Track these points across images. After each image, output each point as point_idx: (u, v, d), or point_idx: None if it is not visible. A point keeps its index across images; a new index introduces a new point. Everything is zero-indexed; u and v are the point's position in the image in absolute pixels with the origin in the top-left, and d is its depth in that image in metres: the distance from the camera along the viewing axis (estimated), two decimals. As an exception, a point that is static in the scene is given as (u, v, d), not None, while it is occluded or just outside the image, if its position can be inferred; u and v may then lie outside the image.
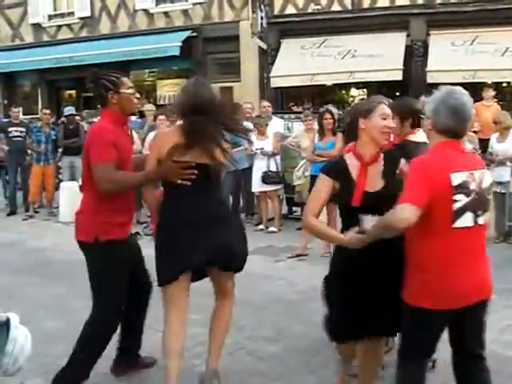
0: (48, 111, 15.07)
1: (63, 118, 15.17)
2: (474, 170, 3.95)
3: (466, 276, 3.91)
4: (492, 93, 13.71)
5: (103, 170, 4.69)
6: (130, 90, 4.97)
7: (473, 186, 3.89)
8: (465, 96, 4.02)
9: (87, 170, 4.87)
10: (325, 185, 4.32)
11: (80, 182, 5.25)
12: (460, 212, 3.84)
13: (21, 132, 14.63)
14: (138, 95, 5.15)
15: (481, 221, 3.94)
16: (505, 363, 5.61)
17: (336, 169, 4.38)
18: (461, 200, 3.83)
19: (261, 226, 12.22)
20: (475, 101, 13.87)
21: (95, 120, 14.64)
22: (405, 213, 3.71)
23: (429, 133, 4.21)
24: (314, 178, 8.07)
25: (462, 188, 3.85)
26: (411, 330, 4.09)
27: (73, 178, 14.24)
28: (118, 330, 5.32)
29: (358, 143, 4.43)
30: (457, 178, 3.84)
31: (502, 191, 10.41)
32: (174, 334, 4.81)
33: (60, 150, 14.67)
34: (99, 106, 5.14)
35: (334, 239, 4.43)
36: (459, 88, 4.11)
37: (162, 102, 21.75)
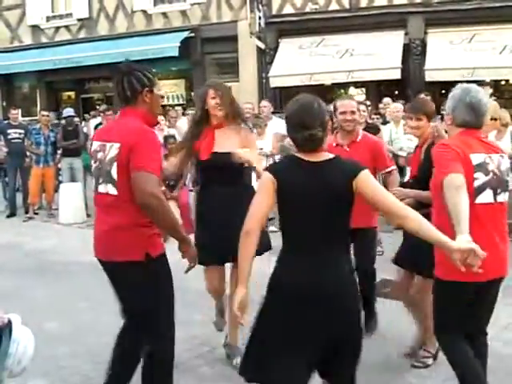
0: (47, 113, 15.05)
1: (63, 121, 15.11)
2: (492, 154, 4.32)
3: (489, 251, 3.99)
4: (489, 91, 13.72)
5: (148, 180, 4.02)
6: (161, 93, 4.54)
7: (491, 167, 4.25)
8: (480, 93, 4.37)
9: (128, 177, 4.11)
10: None
11: (107, 190, 4.27)
12: (480, 189, 4.18)
13: (20, 134, 14.58)
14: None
15: (500, 198, 4.31)
16: (504, 360, 5.61)
17: None
18: (480, 178, 4.18)
19: (261, 226, 12.19)
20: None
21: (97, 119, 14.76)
22: (456, 180, 3.98)
23: (448, 127, 4.54)
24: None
25: (481, 167, 4.21)
26: (444, 303, 4.39)
27: (72, 180, 14.24)
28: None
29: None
30: (476, 159, 4.21)
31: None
32: None
33: (59, 151, 14.63)
34: (123, 102, 4.41)
35: None
36: (474, 86, 4.45)
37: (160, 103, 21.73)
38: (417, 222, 3.57)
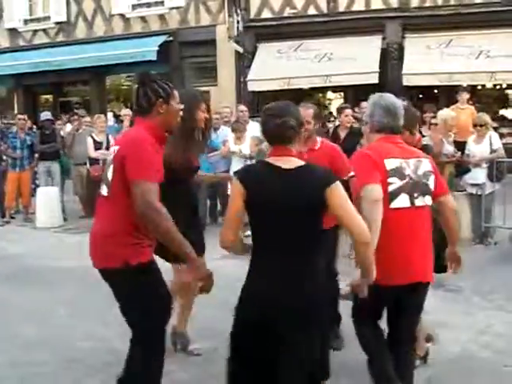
0: (23, 116, 14.90)
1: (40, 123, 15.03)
2: (408, 159, 4.33)
3: (410, 255, 4.21)
4: (466, 96, 13.77)
5: (145, 189, 3.96)
6: (179, 106, 4.46)
7: (407, 172, 4.27)
8: (393, 97, 4.49)
9: (119, 182, 4.12)
10: None
11: (105, 192, 4.27)
12: (395, 194, 4.20)
13: (-6, 138, 14.50)
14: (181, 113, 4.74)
15: (418, 202, 4.29)
16: (481, 364, 5.63)
17: None
18: (394, 183, 4.19)
19: (238, 230, 12.17)
20: (451, 103, 13.95)
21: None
22: (374, 193, 4.03)
23: (368, 135, 4.58)
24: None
25: (395, 172, 4.23)
26: (368, 299, 4.19)
27: (49, 184, 14.17)
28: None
29: None
30: (390, 164, 4.23)
31: (478, 193, 10.44)
32: None
33: (36, 155, 14.55)
34: (138, 112, 4.41)
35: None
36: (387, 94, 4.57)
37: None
38: (364, 249, 3.72)
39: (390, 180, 4.18)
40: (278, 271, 3.63)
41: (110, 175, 4.22)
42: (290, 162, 3.70)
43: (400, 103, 4.53)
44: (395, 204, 4.19)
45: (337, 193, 3.63)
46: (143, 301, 4.23)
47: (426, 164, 4.40)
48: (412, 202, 4.24)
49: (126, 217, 4.12)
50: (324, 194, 3.60)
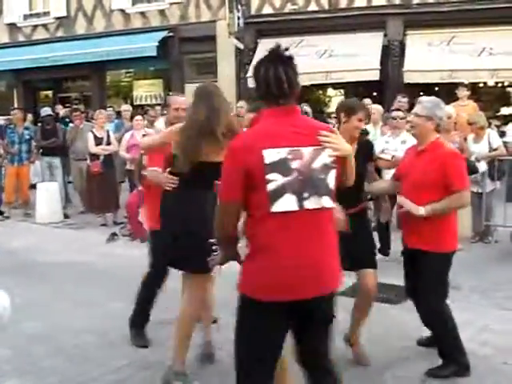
0: (19, 111, 14.91)
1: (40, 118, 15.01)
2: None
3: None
4: (466, 92, 13.60)
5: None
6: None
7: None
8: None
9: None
10: None
11: (323, 204, 3.40)
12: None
13: (-8, 133, 14.49)
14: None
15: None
16: (480, 361, 5.60)
17: None
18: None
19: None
20: (452, 101, 13.88)
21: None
22: None
23: None
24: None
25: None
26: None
27: (52, 179, 14.20)
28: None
29: None
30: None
31: (479, 191, 10.42)
32: None
33: (34, 150, 14.56)
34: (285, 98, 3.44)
35: None
36: None
37: (138, 103, 21.73)
38: None
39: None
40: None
41: (332, 183, 3.47)
42: None
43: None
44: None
45: None
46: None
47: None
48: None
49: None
50: None
